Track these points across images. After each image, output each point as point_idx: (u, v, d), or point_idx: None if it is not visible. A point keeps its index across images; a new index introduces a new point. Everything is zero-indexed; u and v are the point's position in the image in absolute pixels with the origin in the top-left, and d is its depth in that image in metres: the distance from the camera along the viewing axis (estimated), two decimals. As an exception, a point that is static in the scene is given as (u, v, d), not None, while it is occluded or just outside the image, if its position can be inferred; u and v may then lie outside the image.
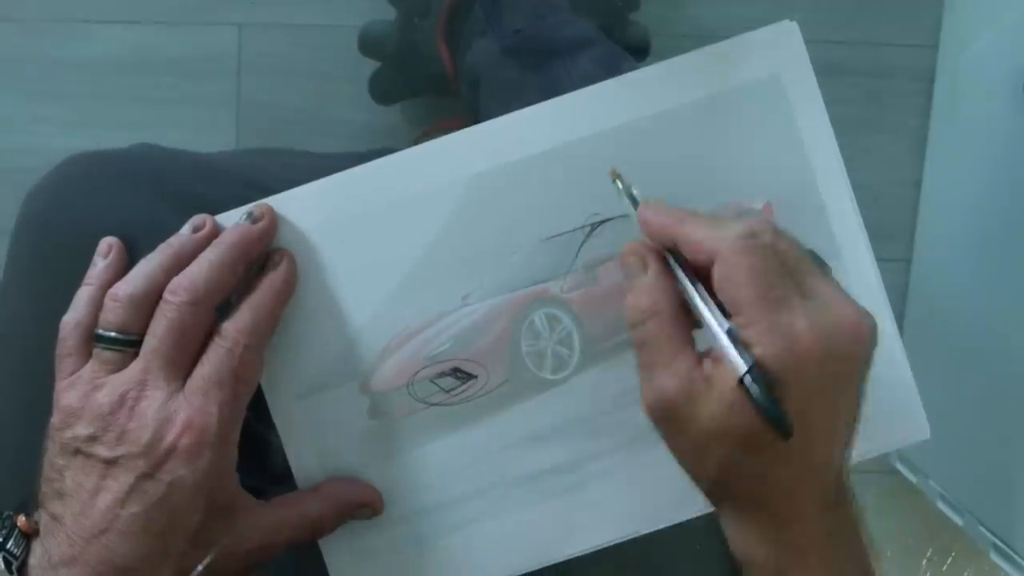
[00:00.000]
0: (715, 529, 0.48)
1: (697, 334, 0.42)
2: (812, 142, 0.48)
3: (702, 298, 0.41)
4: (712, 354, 0.40)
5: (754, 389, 0.38)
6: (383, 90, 1.02)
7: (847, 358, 0.39)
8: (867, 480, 1.12)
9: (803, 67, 0.48)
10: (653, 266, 0.42)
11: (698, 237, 0.40)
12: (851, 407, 0.41)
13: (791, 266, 0.40)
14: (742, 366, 0.38)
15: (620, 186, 0.45)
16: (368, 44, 1.00)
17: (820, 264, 0.41)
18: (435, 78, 0.94)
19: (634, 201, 0.44)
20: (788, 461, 0.40)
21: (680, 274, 0.42)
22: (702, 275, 0.41)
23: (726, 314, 0.40)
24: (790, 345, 0.38)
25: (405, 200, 0.47)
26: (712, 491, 0.43)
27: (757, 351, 0.38)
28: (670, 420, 0.40)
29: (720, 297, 0.40)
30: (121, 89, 1.06)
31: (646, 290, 0.42)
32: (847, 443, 0.41)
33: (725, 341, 0.39)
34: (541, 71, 0.71)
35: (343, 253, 0.47)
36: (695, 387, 0.39)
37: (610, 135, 0.48)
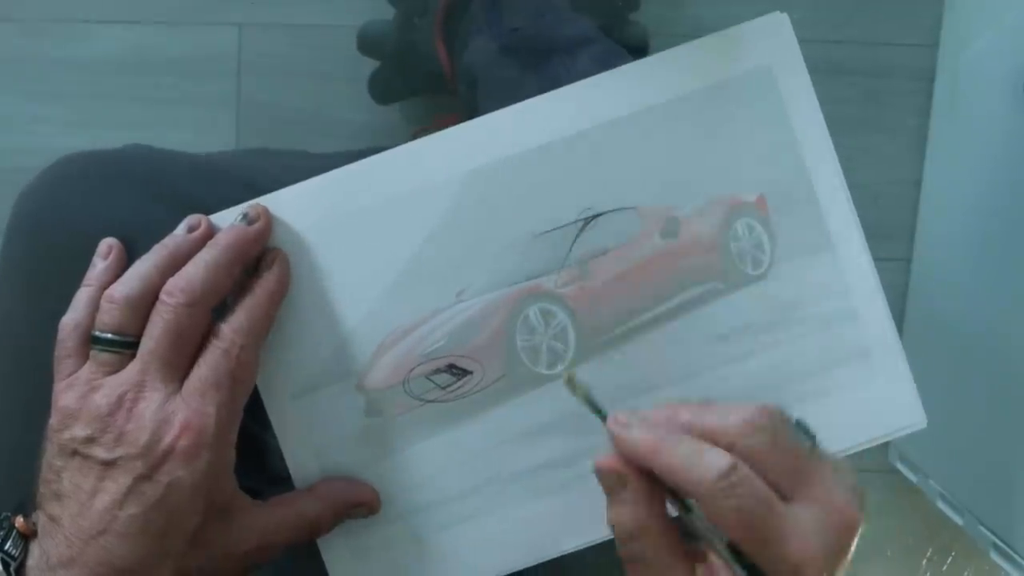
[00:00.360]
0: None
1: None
2: (804, 134, 0.49)
3: (694, 518, 0.39)
4: (710, 564, 0.39)
5: None
6: (382, 90, 1.02)
7: (847, 550, 0.39)
8: (867, 480, 1.12)
9: (794, 59, 0.48)
10: (633, 483, 0.40)
11: (676, 477, 0.38)
12: None
13: (782, 477, 0.38)
14: None
15: (578, 396, 0.43)
16: (367, 43, 1.00)
17: (810, 443, 0.40)
18: (433, 77, 0.94)
19: (598, 411, 0.42)
20: None
21: (669, 501, 0.40)
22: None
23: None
24: (794, 569, 0.37)
25: (398, 197, 0.48)
26: None
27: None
28: None
29: (709, 518, 0.38)
30: (121, 89, 1.06)
31: (629, 507, 0.40)
32: None
33: (728, 557, 0.38)
34: (539, 70, 0.71)
35: (337, 251, 0.47)
36: None
37: (602, 129, 0.48)
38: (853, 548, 0.39)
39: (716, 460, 0.37)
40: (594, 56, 0.70)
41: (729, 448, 0.38)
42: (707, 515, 0.38)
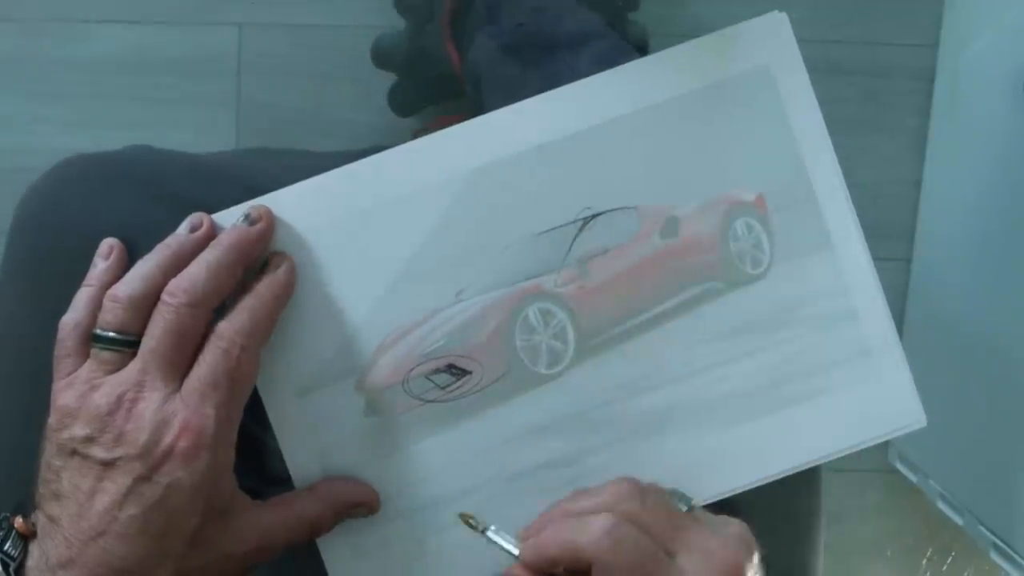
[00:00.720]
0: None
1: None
2: (803, 133, 0.49)
3: None
4: None
5: None
6: (401, 102, 1.03)
7: None
8: (867, 480, 1.12)
9: (793, 58, 0.48)
10: None
11: (569, 552, 0.42)
12: None
13: (660, 533, 0.42)
14: None
15: (483, 533, 0.46)
16: (381, 56, 1.00)
17: (685, 505, 0.44)
18: (448, 80, 0.94)
19: (503, 547, 0.45)
20: None
21: None
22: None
23: None
24: None
25: (398, 197, 0.47)
26: None
27: None
28: None
29: None
30: (121, 89, 1.06)
31: None
32: None
33: None
34: (541, 67, 0.71)
35: (337, 251, 0.47)
36: None
37: (601, 129, 0.48)
38: (749, 569, 0.43)
39: (599, 521, 0.42)
40: (597, 53, 0.70)
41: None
42: None
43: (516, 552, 0.44)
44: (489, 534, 0.46)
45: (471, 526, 0.46)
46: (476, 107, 0.82)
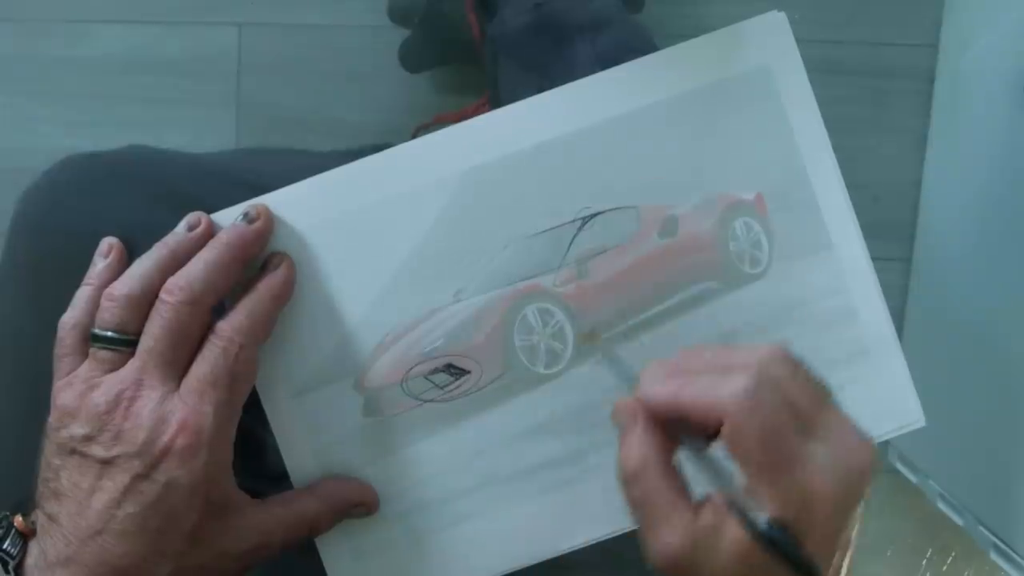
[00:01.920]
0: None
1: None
2: (802, 133, 0.49)
3: (706, 461, 0.40)
4: (714, 503, 0.39)
5: (781, 545, 0.37)
6: (412, 58, 1.02)
7: (856, 496, 0.39)
8: (867, 480, 1.12)
9: (792, 58, 0.48)
10: (640, 423, 0.41)
11: (703, 403, 0.39)
12: (847, 534, 0.41)
13: (801, 408, 0.39)
14: (759, 523, 0.37)
15: (608, 363, 0.44)
16: (397, 12, 1.00)
17: (827, 391, 0.41)
18: (464, 46, 0.93)
19: (626, 376, 0.44)
20: None
21: (693, 443, 0.41)
22: (710, 429, 0.40)
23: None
24: (806, 502, 0.38)
25: (396, 196, 0.48)
26: None
27: (773, 511, 0.38)
28: (679, 573, 0.40)
29: (731, 453, 0.39)
30: (121, 89, 1.06)
31: (634, 448, 0.41)
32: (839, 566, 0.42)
33: (736, 497, 0.38)
34: (558, 49, 0.71)
35: (336, 250, 0.47)
36: (700, 539, 0.39)
37: (601, 128, 0.48)
38: (863, 502, 0.40)
39: (741, 380, 0.38)
40: (616, 38, 0.70)
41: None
42: (729, 441, 0.38)
43: (631, 384, 0.42)
44: (610, 360, 0.44)
45: (592, 344, 0.44)
46: (492, 82, 0.82)
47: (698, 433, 0.40)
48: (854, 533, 0.41)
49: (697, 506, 0.40)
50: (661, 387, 0.41)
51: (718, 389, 0.39)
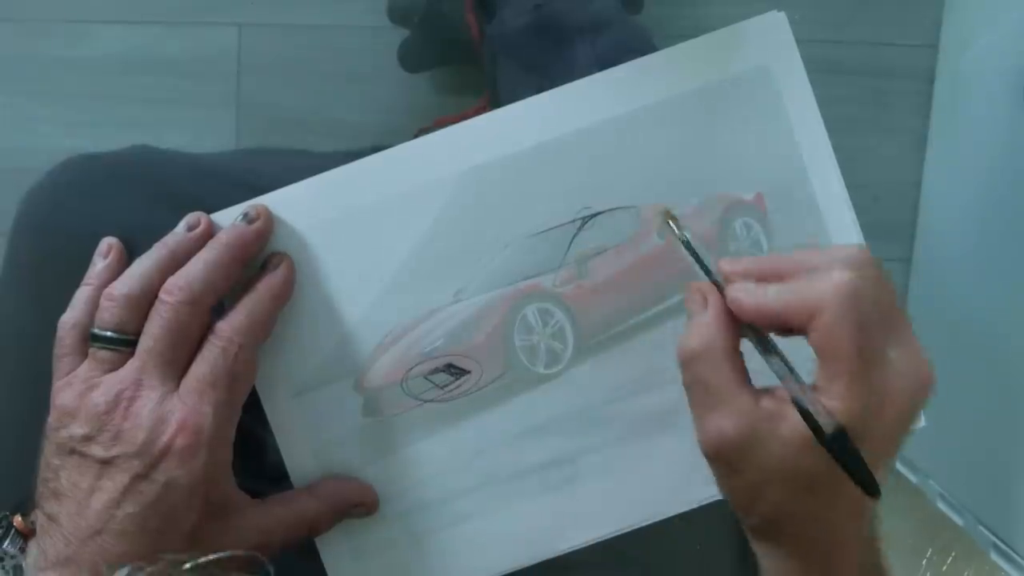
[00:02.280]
0: (714, 528, 0.48)
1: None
2: (802, 132, 0.49)
3: (780, 356, 0.40)
4: (775, 392, 0.39)
5: (844, 447, 0.37)
6: (411, 58, 1.02)
7: (916, 410, 0.40)
8: (867, 480, 1.12)
9: (792, 58, 0.48)
10: (714, 306, 0.41)
11: (797, 303, 0.39)
12: (900, 449, 0.41)
13: (887, 314, 0.39)
14: (831, 424, 0.37)
15: (686, 248, 0.43)
16: (397, 12, 1.00)
17: (903, 308, 0.41)
18: (463, 47, 0.93)
19: (702, 265, 0.43)
20: (844, 504, 0.40)
21: (766, 339, 0.41)
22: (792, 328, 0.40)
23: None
24: (877, 404, 0.38)
25: (396, 196, 0.47)
26: (760, 529, 0.42)
27: (844, 405, 0.37)
28: (728, 460, 0.40)
29: (816, 347, 0.38)
30: (121, 89, 1.06)
31: (700, 330, 0.41)
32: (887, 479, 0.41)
33: (809, 399, 0.38)
34: (558, 50, 0.71)
35: (336, 251, 0.47)
36: (757, 426, 0.39)
37: (600, 128, 0.48)
38: (921, 415, 0.40)
39: (841, 274, 0.38)
40: (615, 39, 0.70)
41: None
42: (822, 334, 0.38)
43: (720, 280, 0.41)
44: (691, 240, 0.43)
45: (672, 227, 0.44)
46: (491, 82, 0.82)
47: (773, 330, 0.40)
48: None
49: (758, 394, 0.40)
50: (753, 294, 0.40)
51: (815, 285, 0.38)
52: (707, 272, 0.42)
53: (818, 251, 0.40)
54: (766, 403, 0.39)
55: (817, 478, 0.38)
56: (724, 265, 0.41)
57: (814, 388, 0.38)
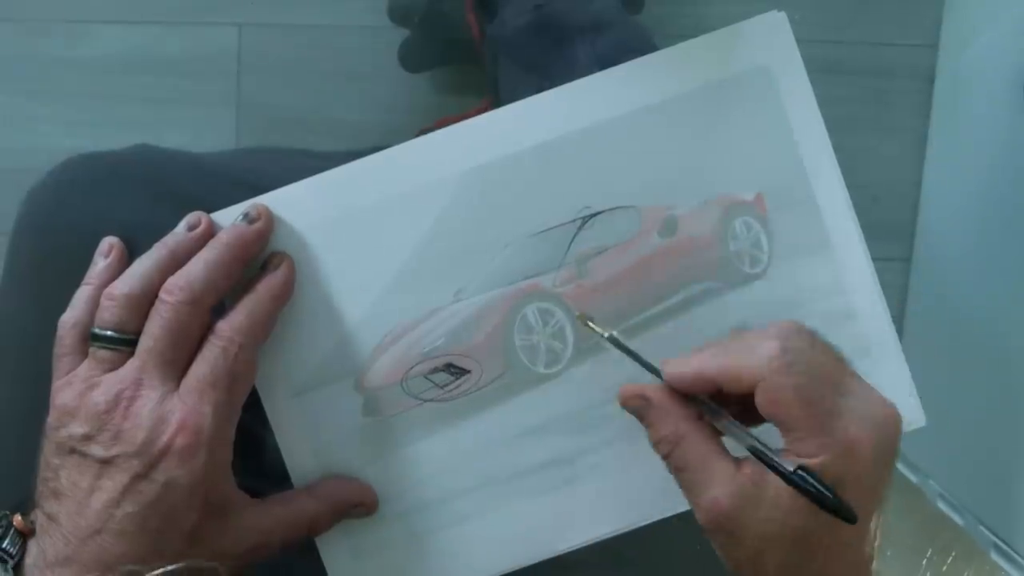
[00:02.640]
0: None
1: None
2: (802, 133, 0.49)
3: (729, 419, 0.42)
4: (751, 459, 0.41)
5: (811, 484, 0.39)
6: (412, 58, 1.02)
7: (891, 449, 0.42)
8: (867, 480, 1.12)
9: (792, 58, 0.48)
10: (656, 397, 0.43)
11: (734, 370, 0.41)
12: (887, 489, 0.43)
13: (827, 371, 0.41)
14: (790, 465, 0.39)
15: (614, 344, 0.46)
16: (397, 11, 1.00)
17: (846, 359, 0.43)
18: (463, 47, 0.93)
19: (633, 356, 0.45)
20: (842, 556, 0.41)
21: (712, 409, 0.43)
22: (725, 399, 0.42)
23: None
24: (847, 451, 0.40)
25: (397, 196, 0.47)
26: None
27: (817, 462, 0.39)
28: (727, 530, 0.41)
29: (767, 416, 0.41)
30: (121, 89, 1.06)
31: (662, 420, 0.43)
32: (879, 528, 0.43)
33: (763, 449, 0.40)
34: (559, 50, 0.71)
35: (336, 250, 0.47)
36: (746, 491, 0.41)
37: (601, 128, 0.48)
38: (897, 450, 0.42)
39: (769, 345, 0.41)
40: (616, 39, 0.70)
41: None
42: (766, 402, 0.40)
43: (657, 368, 0.43)
44: (616, 336, 0.45)
45: (590, 328, 0.46)
46: (492, 82, 0.82)
47: (715, 396, 0.42)
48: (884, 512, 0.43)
49: (739, 462, 0.41)
50: (687, 364, 0.43)
51: (749, 355, 0.41)
52: (640, 362, 0.45)
53: (748, 332, 0.43)
54: (747, 469, 0.41)
55: (812, 535, 0.40)
56: (666, 360, 0.44)
57: (787, 449, 0.40)
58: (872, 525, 0.42)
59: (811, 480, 0.39)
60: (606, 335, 0.46)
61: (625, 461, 0.49)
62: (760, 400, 0.40)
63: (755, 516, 0.40)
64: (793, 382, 0.40)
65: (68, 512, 0.42)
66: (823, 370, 0.41)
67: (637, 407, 0.44)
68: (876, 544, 0.42)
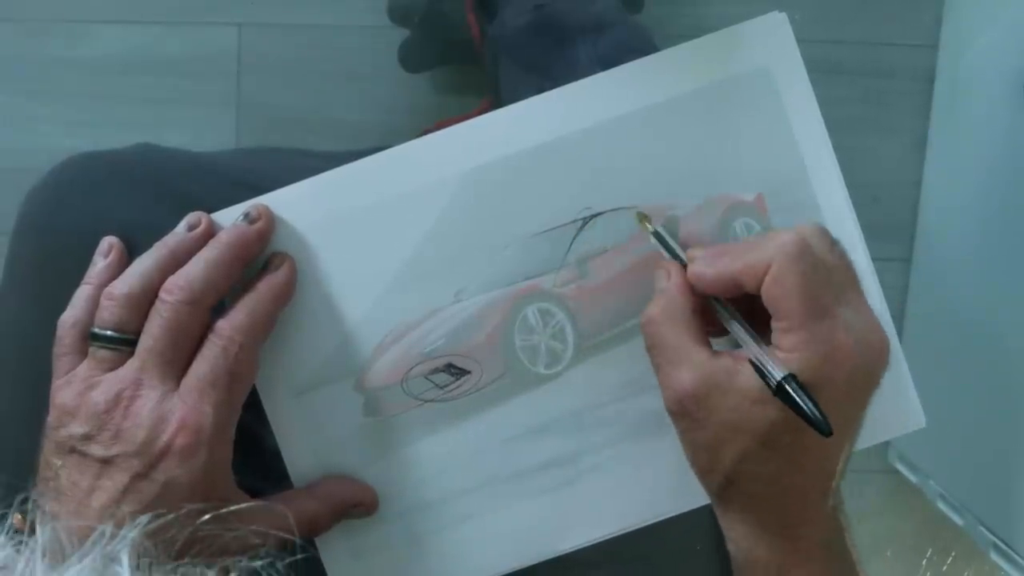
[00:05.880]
0: (714, 528, 0.47)
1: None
2: (803, 133, 0.49)
3: (739, 321, 0.43)
4: (733, 353, 0.42)
5: (794, 389, 0.39)
6: (411, 58, 1.02)
7: (872, 373, 0.42)
8: (867, 480, 1.12)
9: (793, 58, 0.48)
10: (675, 277, 0.44)
11: (750, 263, 0.41)
12: (861, 420, 0.43)
13: (837, 277, 0.42)
14: (779, 372, 0.39)
15: (656, 237, 0.47)
16: (397, 11, 1.00)
17: (857, 274, 0.43)
18: (463, 46, 0.94)
19: (670, 250, 0.46)
20: (804, 466, 0.42)
21: (722, 306, 0.44)
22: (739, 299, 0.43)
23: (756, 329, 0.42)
24: (828, 354, 0.40)
25: (397, 196, 0.47)
26: (722, 490, 0.44)
27: (797, 356, 0.40)
28: (689, 412, 0.42)
29: (767, 301, 0.41)
30: (121, 89, 1.06)
31: (661, 298, 0.44)
32: (848, 458, 0.43)
33: (759, 349, 0.41)
34: (559, 50, 0.71)
35: (337, 250, 0.47)
36: (715, 379, 0.41)
37: (601, 129, 0.48)
38: (879, 382, 0.43)
39: (788, 235, 0.41)
40: (617, 39, 0.70)
41: None
42: (771, 286, 0.40)
43: (684, 259, 0.44)
44: (659, 230, 0.46)
45: (643, 224, 0.47)
46: (492, 82, 0.82)
47: (733, 296, 0.43)
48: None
49: (716, 353, 0.42)
50: (712, 265, 0.43)
51: (767, 245, 0.41)
52: (674, 255, 0.46)
53: (772, 231, 0.44)
54: (724, 360, 0.42)
55: (774, 431, 0.41)
56: (692, 251, 0.45)
57: (776, 342, 0.41)
58: (841, 451, 0.42)
59: (794, 386, 0.39)
60: (651, 230, 0.47)
61: (626, 461, 0.49)
62: (766, 284, 0.41)
63: (722, 404, 0.41)
64: (800, 269, 0.40)
65: (68, 512, 0.42)
66: (832, 273, 0.41)
67: (658, 281, 0.45)
68: (843, 470, 0.43)
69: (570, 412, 0.48)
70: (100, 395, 0.42)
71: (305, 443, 0.48)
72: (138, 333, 0.44)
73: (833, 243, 0.43)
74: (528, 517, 0.49)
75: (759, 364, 0.40)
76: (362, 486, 0.48)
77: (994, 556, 0.92)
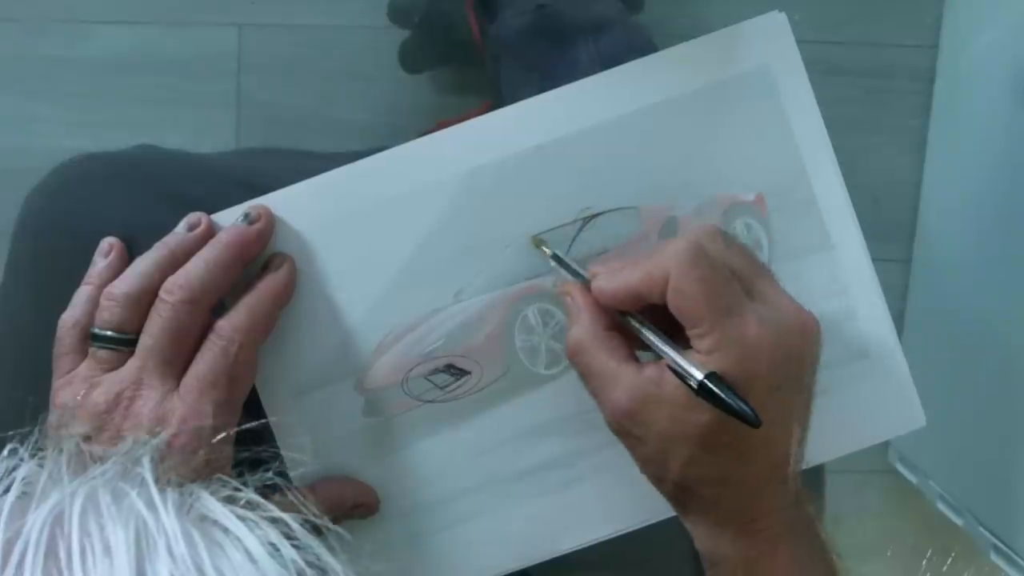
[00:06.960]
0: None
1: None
2: (802, 133, 0.49)
3: (642, 324, 0.43)
4: (656, 363, 0.42)
5: (714, 386, 0.39)
6: (411, 58, 1.02)
7: (797, 358, 0.42)
8: (867, 480, 1.12)
9: (792, 58, 0.48)
10: (581, 299, 0.44)
11: (648, 273, 0.42)
12: (803, 406, 0.43)
13: (739, 271, 0.42)
14: (698, 373, 0.40)
15: (551, 257, 0.47)
16: (397, 12, 1.00)
17: (765, 266, 0.44)
18: (464, 47, 0.94)
19: (570, 270, 0.46)
20: (750, 460, 0.42)
21: (633, 319, 0.44)
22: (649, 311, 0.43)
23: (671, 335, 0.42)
24: (744, 350, 0.40)
25: (397, 197, 0.47)
26: (676, 496, 0.44)
27: (714, 356, 0.40)
28: (629, 431, 0.43)
29: (674, 311, 0.41)
30: (121, 89, 1.06)
31: (576, 324, 0.44)
32: (801, 442, 0.43)
33: (674, 355, 0.41)
34: (561, 51, 0.71)
35: (336, 251, 0.47)
36: (645, 392, 0.42)
37: (601, 129, 0.48)
38: (814, 360, 0.43)
39: (679, 243, 0.41)
40: (617, 39, 0.70)
41: None
42: (673, 295, 0.41)
43: (587, 277, 0.45)
44: (558, 253, 0.47)
45: (541, 249, 0.47)
46: (493, 82, 0.82)
47: (639, 308, 0.43)
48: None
49: (641, 366, 0.42)
50: (612, 281, 0.43)
51: (661, 256, 0.41)
52: (576, 275, 0.46)
53: (668, 239, 0.44)
54: (649, 371, 0.42)
55: (710, 433, 0.41)
56: (593, 266, 0.45)
57: (690, 347, 0.41)
58: (791, 437, 0.42)
59: (710, 384, 0.39)
60: (550, 253, 0.47)
61: (626, 462, 0.48)
62: (669, 295, 0.41)
63: (657, 415, 0.41)
64: (698, 274, 0.40)
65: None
66: (732, 269, 0.42)
67: (566, 307, 0.45)
68: (797, 455, 0.43)
69: (570, 413, 0.48)
70: (100, 395, 0.42)
71: (305, 444, 0.48)
72: (138, 333, 0.44)
73: (729, 241, 0.43)
74: (528, 517, 0.49)
75: (677, 369, 0.40)
76: (363, 486, 0.48)
77: (994, 557, 0.92)
